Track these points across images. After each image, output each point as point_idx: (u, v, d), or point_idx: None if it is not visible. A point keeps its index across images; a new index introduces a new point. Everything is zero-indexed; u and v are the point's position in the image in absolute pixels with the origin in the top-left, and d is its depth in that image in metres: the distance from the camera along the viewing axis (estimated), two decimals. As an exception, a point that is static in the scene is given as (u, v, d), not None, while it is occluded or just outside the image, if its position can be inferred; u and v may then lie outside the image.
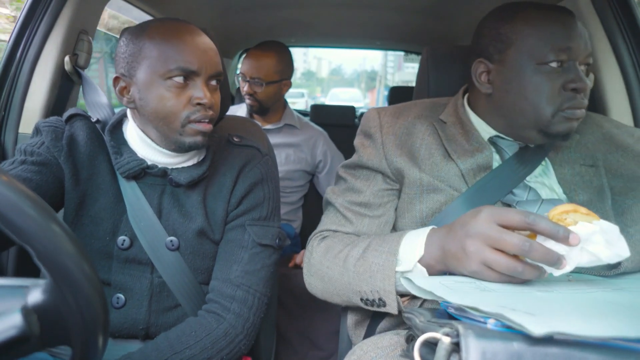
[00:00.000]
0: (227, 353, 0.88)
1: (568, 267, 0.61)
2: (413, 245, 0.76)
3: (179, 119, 0.86)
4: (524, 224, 0.63)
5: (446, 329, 0.52)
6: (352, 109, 2.70)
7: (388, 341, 0.77)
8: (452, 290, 0.62)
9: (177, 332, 0.88)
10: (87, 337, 0.46)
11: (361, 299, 0.81)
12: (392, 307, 0.77)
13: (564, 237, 0.60)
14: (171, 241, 0.92)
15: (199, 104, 0.86)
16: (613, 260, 0.63)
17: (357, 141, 1.00)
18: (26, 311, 0.44)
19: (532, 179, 0.89)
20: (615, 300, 0.60)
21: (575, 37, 0.83)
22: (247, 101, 1.82)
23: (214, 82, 0.90)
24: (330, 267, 0.86)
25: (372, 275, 0.78)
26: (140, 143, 0.93)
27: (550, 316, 0.51)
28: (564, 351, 0.46)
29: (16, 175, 0.87)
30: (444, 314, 0.63)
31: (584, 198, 0.84)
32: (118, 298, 0.91)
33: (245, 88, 1.80)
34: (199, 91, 0.85)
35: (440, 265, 0.73)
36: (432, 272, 0.74)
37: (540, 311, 0.52)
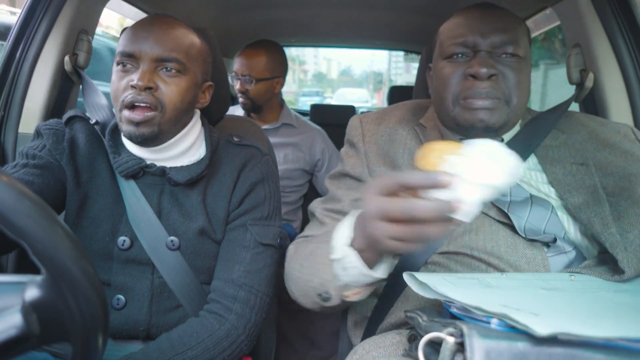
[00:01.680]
0: (229, 354, 0.88)
1: (469, 208, 0.55)
2: (342, 229, 0.73)
3: (118, 103, 0.87)
4: (398, 186, 0.59)
5: (450, 329, 0.52)
6: (352, 109, 2.70)
7: (390, 340, 0.76)
8: (454, 286, 0.62)
9: (178, 333, 0.87)
10: (87, 334, 0.45)
11: (318, 295, 0.77)
12: (335, 298, 0.73)
13: (437, 181, 0.55)
14: (172, 241, 0.92)
15: (132, 86, 0.86)
16: (509, 181, 0.56)
17: (343, 151, 1.01)
18: (25, 307, 0.43)
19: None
20: (618, 300, 0.60)
21: (477, 28, 0.87)
22: (240, 99, 1.84)
23: (166, 69, 0.89)
24: (294, 267, 0.85)
25: (318, 269, 0.76)
26: (131, 143, 0.93)
27: (554, 316, 0.51)
28: (569, 351, 0.46)
29: (19, 178, 0.87)
30: (446, 313, 0.63)
31: (579, 200, 0.84)
32: (118, 299, 0.91)
33: (237, 86, 1.83)
34: (137, 74, 0.86)
35: (370, 250, 0.68)
36: (366, 257, 0.68)
37: (544, 311, 0.52)
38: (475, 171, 0.55)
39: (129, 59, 0.88)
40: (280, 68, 1.86)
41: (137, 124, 0.87)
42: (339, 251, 0.71)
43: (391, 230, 0.59)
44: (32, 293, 0.44)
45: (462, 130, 0.90)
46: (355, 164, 0.95)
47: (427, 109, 1.00)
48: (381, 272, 0.70)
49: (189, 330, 0.87)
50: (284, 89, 1.98)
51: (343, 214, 0.91)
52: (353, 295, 0.74)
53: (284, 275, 0.92)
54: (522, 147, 0.90)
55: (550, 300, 0.58)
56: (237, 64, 1.84)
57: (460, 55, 0.88)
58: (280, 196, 1.04)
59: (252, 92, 1.81)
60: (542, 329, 0.45)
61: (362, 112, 1.08)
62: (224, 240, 0.96)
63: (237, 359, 0.90)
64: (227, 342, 0.88)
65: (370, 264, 0.69)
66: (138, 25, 0.91)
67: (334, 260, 0.72)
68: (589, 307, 0.56)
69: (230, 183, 0.96)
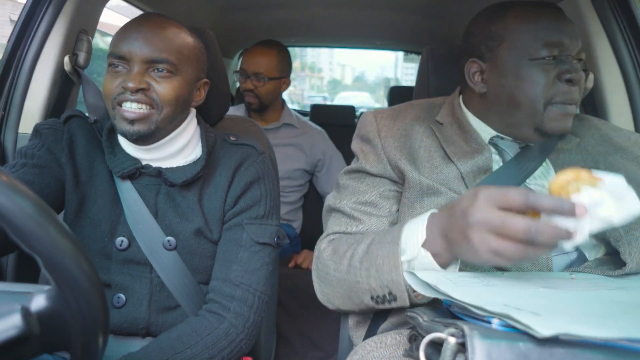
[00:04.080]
0: (228, 352, 0.88)
1: (579, 238, 0.58)
2: (414, 231, 0.73)
3: (110, 102, 0.88)
4: (525, 205, 0.60)
5: (451, 329, 0.52)
6: (352, 109, 2.70)
7: (391, 340, 0.76)
8: (455, 285, 0.61)
9: (178, 332, 0.87)
10: (88, 340, 0.46)
11: (371, 297, 0.78)
12: (403, 300, 0.74)
13: (569, 211, 0.58)
14: (169, 241, 0.92)
15: (124, 87, 0.86)
16: (625, 219, 0.59)
17: (356, 146, 0.98)
18: (27, 316, 0.44)
19: (532, 182, 0.89)
20: (619, 299, 0.60)
21: (567, 31, 0.85)
22: (246, 98, 1.84)
23: (157, 70, 0.88)
24: (337, 268, 0.83)
25: (379, 269, 0.75)
26: (126, 143, 0.93)
27: (555, 316, 0.51)
28: (570, 351, 0.46)
29: (19, 178, 0.87)
30: (448, 312, 0.63)
31: None
32: (119, 298, 0.91)
33: (244, 84, 1.82)
34: (128, 76, 0.86)
35: (447, 253, 0.70)
36: (440, 260, 0.71)
37: (545, 310, 0.52)
38: (604, 207, 0.59)
39: (120, 60, 0.87)
40: (287, 69, 1.88)
41: (132, 121, 0.86)
42: (411, 252, 0.72)
43: (499, 245, 0.61)
44: (38, 303, 0.45)
45: (537, 134, 0.88)
46: (373, 162, 0.93)
47: (442, 106, 0.99)
48: (452, 270, 0.72)
49: (188, 329, 0.87)
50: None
51: (372, 205, 0.91)
52: (422, 296, 0.74)
53: (313, 277, 0.91)
54: (539, 151, 0.90)
55: (551, 299, 0.58)
56: (246, 62, 1.83)
57: (548, 57, 0.84)
58: (278, 194, 1.03)
59: (262, 91, 1.81)
60: (544, 330, 0.45)
61: (362, 113, 1.07)
62: (221, 240, 0.96)
63: (236, 358, 0.90)
64: (227, 341, 0.88)
65: (443, 265, 0.71)
66: (128, 26, 0.90)
67: (403, 261, 0.73)
68: (590, 306, 0.56)
69: (226, 183, 0.95)
